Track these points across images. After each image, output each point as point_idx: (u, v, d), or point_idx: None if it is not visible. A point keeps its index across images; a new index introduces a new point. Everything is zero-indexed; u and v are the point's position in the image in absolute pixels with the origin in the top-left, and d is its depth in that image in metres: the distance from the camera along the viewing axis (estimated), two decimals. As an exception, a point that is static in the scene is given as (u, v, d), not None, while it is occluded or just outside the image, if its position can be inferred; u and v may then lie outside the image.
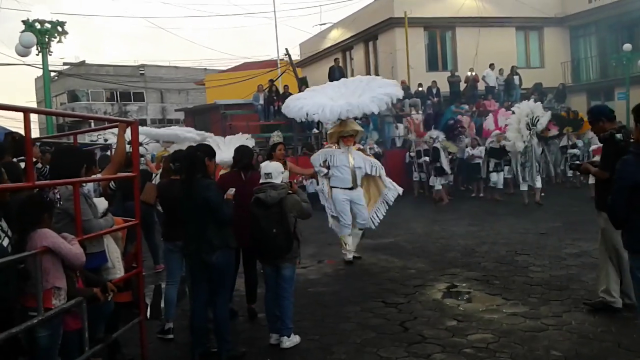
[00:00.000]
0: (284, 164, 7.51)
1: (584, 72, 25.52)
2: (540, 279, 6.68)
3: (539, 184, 12.84)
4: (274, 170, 5.07)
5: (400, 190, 8.53)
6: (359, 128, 8.50)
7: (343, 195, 8.05)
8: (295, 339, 4.97)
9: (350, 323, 5.51)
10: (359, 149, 8.44)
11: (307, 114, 8.13)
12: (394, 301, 6.13)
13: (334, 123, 8.43)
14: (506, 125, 13.31)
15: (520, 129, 12.42)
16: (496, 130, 14.21)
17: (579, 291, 6.08)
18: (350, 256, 8.11)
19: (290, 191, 5.04)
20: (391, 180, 8.57)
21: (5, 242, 3.37)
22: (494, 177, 14.02)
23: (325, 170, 8.12)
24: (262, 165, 5.37)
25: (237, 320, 5.74)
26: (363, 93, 8.39)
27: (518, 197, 13.68)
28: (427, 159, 14.78)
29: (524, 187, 12.96)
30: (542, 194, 13.00)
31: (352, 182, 8.04)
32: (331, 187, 8.14)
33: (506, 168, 14.06)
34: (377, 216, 8.42)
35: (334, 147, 8.28)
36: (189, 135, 10.47)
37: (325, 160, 8.17)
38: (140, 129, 7.98)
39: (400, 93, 8.70)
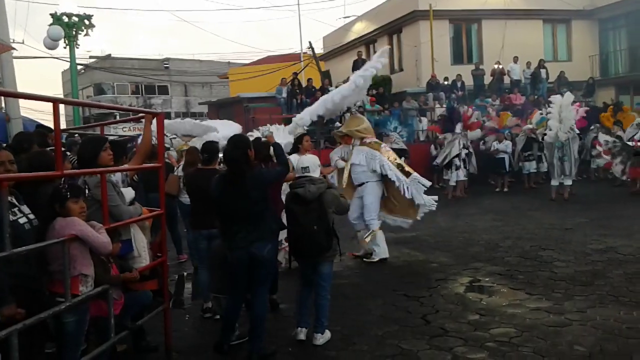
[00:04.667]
0: None
1: (613, 65, 25.02)
2: (565, 274, 6.60)
3: (569, 182, 12.57)
4: (311, 164, 4.86)
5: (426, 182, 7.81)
6: (354, 127, 7.87)
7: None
8: (327, 336, 4.89)
9: (371, 315, 5.52)
10: (366, 143, 7.86)
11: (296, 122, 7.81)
12: (415, 294, 6.11)
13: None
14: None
15: (562, 119, 12.13)
16: None
17: (604, 287, 5.99)
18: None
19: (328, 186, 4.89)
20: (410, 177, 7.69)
21: (22, 220, 3.45)
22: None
23: (342, 164, 8.00)
24: (297, 158, 5.20)
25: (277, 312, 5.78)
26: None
27: (543, 192, 13.53)
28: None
29: (554, 183, 12.69)
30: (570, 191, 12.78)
31: (344, 179, 7.81)
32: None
33: (533, 162, 14.99)
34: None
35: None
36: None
37: (343, 157, 8.06)
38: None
39: (376, 65, 7.95)
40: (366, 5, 50.02)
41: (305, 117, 7.68)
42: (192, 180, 5.91)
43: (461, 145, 14.03)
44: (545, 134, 12.91)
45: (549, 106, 13.12)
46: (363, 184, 7.83)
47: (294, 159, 6.65)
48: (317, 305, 4.88)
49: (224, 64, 45.63)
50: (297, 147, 7.05)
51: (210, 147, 5.88)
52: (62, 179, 3.80)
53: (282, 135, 8.00)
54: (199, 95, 48.81)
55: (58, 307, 3.34)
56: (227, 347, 4.69)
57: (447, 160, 14.08)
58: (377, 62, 7.94)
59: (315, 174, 4.83)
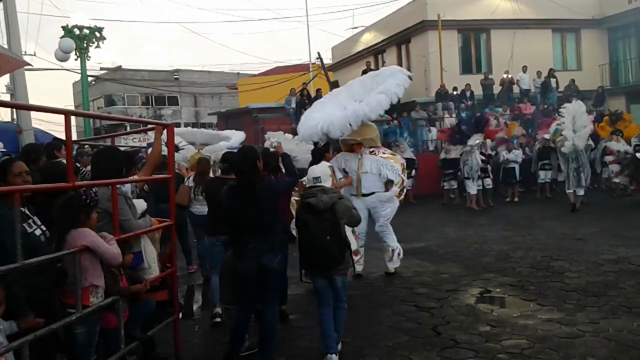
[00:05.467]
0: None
1: (623, 74, 24.90)
2: (577, 285, 6.54)
3: (582, 192, 12.41)
4: (322, 174, 4.73)
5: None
6: (368, 135, 7.67)
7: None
8: (338, 346, 4.79)
9: (382, 326, 5.49)
10: (373, 153, 7.68)
11: (321, 130, 7.27)
12: (426, 305, 6.08)
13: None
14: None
15: (578, 127, 11.89)
16: None
17: (617, 298, 5.93)
18: (359, 268, 7.43)
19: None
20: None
21: (38, 232, 3.48)
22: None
23: (341, 175, 7.59)
24: (310, 169, 5.12)
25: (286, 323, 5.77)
26: (371, 89, 7.74)
27: (554, 202, 13.44)
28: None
29: (569, 190, 12.49)
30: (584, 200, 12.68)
31: (357, 188, 7.45)
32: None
33: (550, 172, 14.86)
34: None
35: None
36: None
37: (344, 169, 7.65)
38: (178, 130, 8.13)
39: (401, 79, 7.67)
40: (375, 15, 50.17)
41: (335, 131, 7.17)
42: (211, 188, 6.08)
43: (481, 155, 13.91)
44: (560, 142, 12.66)
45: (559, 115, 12.96)
46: (373, 193, 7.59)
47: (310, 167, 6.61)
48: (336, 318, 4.71)
49: (233, 75, 45.94)
50: (323, 154, 6.84)
51: (230, 157, 6.01)
52: (83, 189, 3.81)
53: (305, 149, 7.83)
54: (209, 105, 49.16)
55: (69, 318, 3.35)
56: (237, 358, 4.68)
57: (477, 172, 13.71)
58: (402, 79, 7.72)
59: (327, 184, 4.75)
